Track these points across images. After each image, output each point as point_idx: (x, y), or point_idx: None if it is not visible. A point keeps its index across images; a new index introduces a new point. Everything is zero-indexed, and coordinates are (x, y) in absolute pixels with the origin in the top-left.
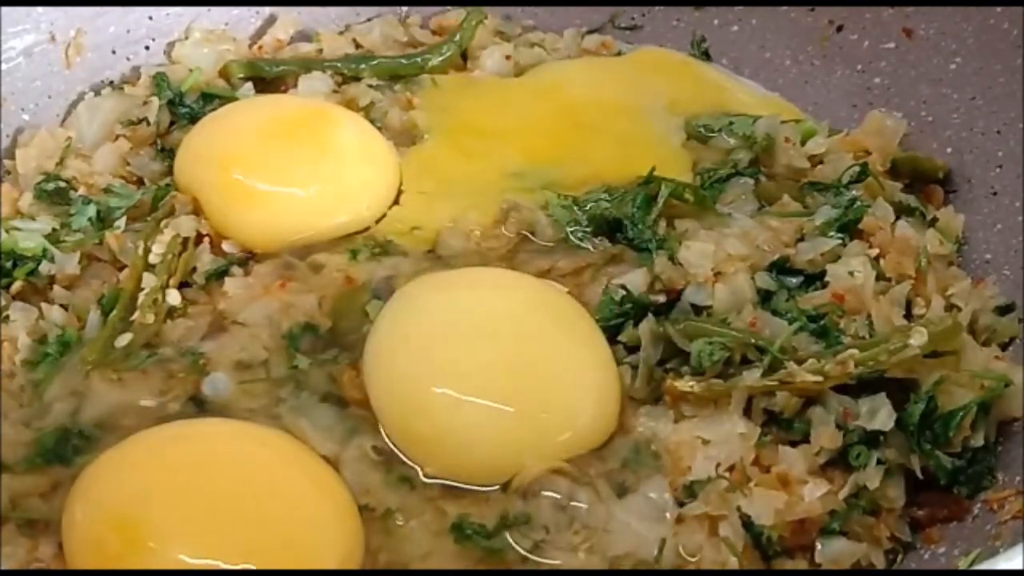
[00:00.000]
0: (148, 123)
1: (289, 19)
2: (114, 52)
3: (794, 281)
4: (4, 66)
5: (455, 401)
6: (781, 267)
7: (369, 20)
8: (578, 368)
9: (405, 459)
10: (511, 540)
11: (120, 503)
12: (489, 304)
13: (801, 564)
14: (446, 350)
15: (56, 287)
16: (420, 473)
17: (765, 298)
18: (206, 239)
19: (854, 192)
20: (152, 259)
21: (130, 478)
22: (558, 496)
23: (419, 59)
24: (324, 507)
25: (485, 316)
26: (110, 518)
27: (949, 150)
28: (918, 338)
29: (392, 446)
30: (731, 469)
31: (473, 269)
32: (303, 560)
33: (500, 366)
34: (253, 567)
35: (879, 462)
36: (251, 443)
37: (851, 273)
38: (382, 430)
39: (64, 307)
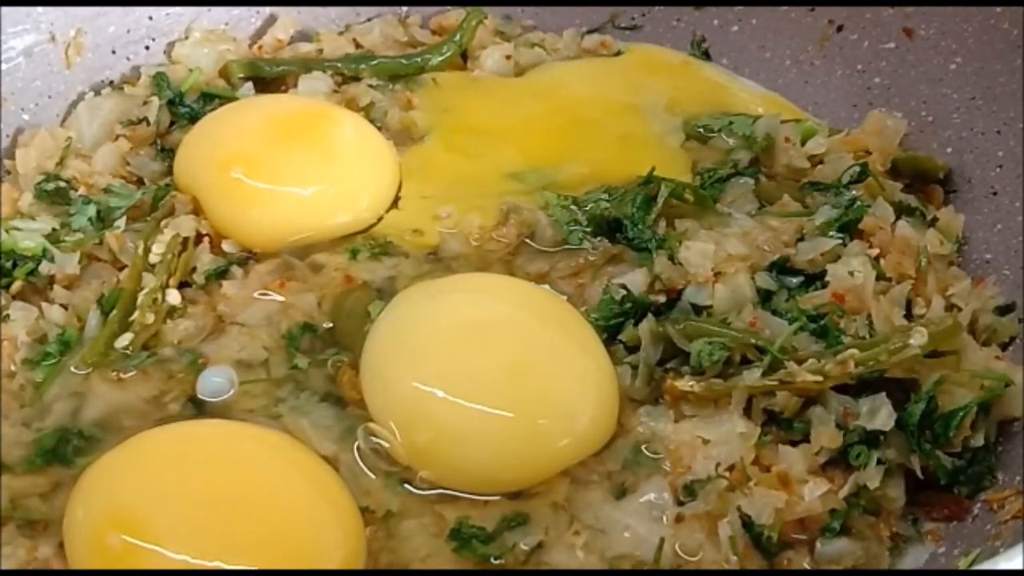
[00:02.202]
0: (148, 123)
1: (289, 19)
2: (114, 52)
3: (794, 281)
4: (4, 66)
5: (451, 409)
6: (781, 267)
7: (369, 20)
8: (576, 374)
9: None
10: (510, 542)
11: (122, 504)
12: (486, 310)
13: (802, 557)
14: (442, 357)
15: (56, 287)
16: (416, 481)
17: (765, 298)
18: (206, 239)
19: (854, 192)
20: (152, 259)
21: (132, 479)
22: (557, 496)
23: (419, 59)
24: (325, 508)
25: (482, 322)
26: (112, 518)
27: (949, 150)
28: (918, 338)
29: (384, 453)
30: (731, 469)
31: (470, 275)
32: (304, 561)
33: (497, 373)
34: (254, 568)
35: (879, 462)
36: (251, 444)
37: (851, 273)
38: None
39: (64, 307)
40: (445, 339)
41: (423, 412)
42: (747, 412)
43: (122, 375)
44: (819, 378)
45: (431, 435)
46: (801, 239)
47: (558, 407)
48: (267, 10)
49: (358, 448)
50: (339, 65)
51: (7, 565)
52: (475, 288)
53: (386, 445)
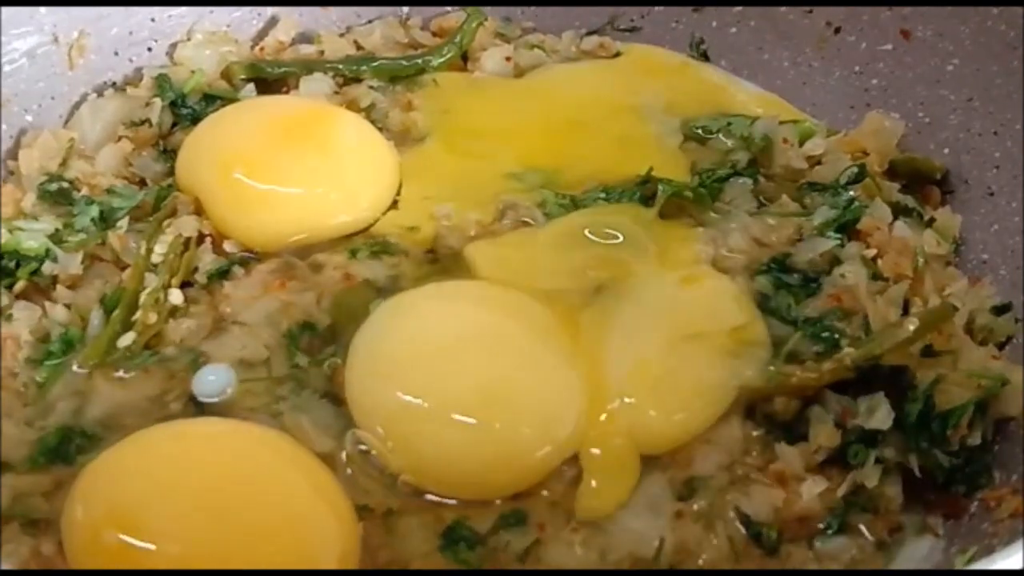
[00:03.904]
0: (150, 124)
1: (291, 21)
2: (117, 54)
3: (793, 279)
4: (7, 67)
5: (432, 419)
6: (780, 265)
7: (370, 22)
8: (560, 381)
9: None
10: (506, 540)
11: (120, 502)
12: (468, 319)
13: (801, 553)
14: (423, 367)
15: (59, 287)
16: (398, 484)
17: (764, 299)
18: (208, 239)
19: (852, 192)
20: (154, 259)
21: (130, 477)
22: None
23: (420, 60)
24: (323, 507)
25: (464, 332)
26: (110, 517)
27: (946, 151)
28: (910, 324)
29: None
30: (730, 467)
31: (453, 283)
32: (302, 560)
33: (479, 382)
34: (251, 567)
35: (877, 461)
36: (248, 442)
37: (842, 275)
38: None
39: (67, 306)
40: (426, 349)
41: (403, 422)
42: (747, 411)
43: (124, 374)
44: (814, 375)
45: (411, 444)
46: (799, 239)
47: (541, 416)
48: (269, 12)
49: (347, 454)
50: (340, 67)
51: (9, 564)
52: (459, 296)
53: (373, 452)
